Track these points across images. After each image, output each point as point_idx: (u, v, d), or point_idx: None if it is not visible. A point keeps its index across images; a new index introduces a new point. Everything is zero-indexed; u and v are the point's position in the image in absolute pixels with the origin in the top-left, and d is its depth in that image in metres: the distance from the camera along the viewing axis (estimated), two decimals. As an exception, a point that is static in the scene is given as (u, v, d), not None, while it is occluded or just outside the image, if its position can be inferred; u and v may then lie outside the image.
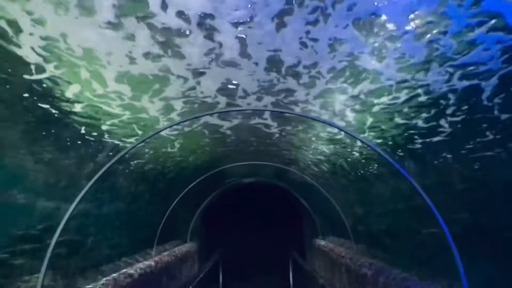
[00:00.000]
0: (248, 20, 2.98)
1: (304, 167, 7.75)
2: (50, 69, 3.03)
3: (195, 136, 5.71)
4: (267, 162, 8.35)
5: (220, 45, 3.23)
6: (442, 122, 3.70)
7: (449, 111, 3.54)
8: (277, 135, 6.08)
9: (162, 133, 5.05)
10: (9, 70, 2.90)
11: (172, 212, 7.90)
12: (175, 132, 5.09)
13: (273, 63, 3.50)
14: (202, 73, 3.61)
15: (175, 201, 7.80)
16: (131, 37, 3.00)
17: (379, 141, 4.56)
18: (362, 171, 5.74)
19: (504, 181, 3.41)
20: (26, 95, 3.13)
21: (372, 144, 4.57)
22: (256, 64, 3.51)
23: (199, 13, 2.88)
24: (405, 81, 3.45)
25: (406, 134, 4.21)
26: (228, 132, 5.72)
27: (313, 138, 5.72)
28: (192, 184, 8.07)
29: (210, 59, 3.40)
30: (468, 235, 3.87)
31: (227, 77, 3.73)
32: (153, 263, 6.41)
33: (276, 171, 9.72)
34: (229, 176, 10.29)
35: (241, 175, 10.79)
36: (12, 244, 3.50)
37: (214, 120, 5.15)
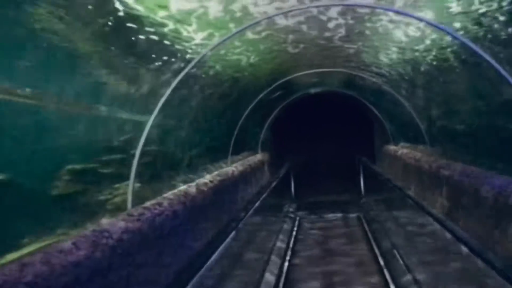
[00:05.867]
0: None
1: (375, 71, 7.39)
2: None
3: (263, 48, 5.65)
4: (335, 69, 8.06)
5: None
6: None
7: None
8: (348, 43, 5.82)
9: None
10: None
11: (243, 123, 8.07)
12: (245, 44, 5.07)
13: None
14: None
15: (246, 112, 7.92)
16: None
17: (466, 32, 4.14)
18: (441, 68, 5.34)
19: None
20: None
21: (454, 32, 4.17)
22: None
23: None
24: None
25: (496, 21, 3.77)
26: (295, 43, 5.68)
27: (387, 40, 5.36)
28: (262, 95, 8.09)
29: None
30: None
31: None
32: (230, 171, 6.74)
33: (343, 79, 9.40)
34: (295, 87, 10.14)
35: (308, 85, 10.59)
36: (99, 154, 3.71)
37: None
